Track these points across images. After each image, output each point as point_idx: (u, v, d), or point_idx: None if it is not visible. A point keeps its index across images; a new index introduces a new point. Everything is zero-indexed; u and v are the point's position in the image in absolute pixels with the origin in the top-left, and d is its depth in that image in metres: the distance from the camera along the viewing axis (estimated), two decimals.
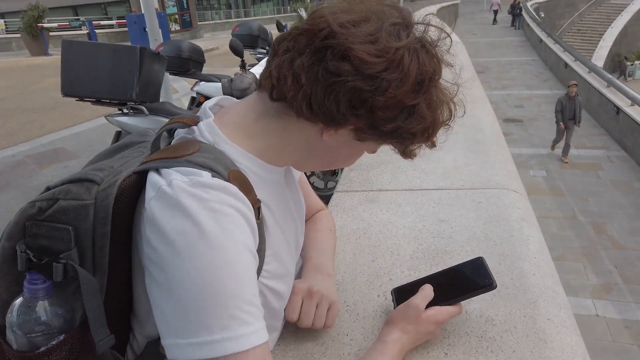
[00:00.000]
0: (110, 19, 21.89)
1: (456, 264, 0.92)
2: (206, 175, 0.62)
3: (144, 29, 5.70)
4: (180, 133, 0.75)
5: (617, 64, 21.86)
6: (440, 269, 0.93)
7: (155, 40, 5.50)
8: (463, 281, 0.87)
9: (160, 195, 0.61)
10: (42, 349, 0.64)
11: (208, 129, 0.72)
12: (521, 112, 12.43)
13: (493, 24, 28.99)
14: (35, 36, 16.54)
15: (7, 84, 11.70)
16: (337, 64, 0.63)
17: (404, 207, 1.38)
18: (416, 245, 1.18)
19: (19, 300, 0.64)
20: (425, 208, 1.36)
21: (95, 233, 0.63)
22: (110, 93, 2.98)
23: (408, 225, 1.27)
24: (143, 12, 5.53)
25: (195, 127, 0.73)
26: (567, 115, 9.55)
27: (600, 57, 18.56)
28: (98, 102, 3.06)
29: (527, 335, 0.86)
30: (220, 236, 0.59)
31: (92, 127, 7.46)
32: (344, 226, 1.31)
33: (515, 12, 25.95)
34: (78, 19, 20.36)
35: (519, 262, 1.07)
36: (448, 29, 0.70)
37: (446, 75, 0.73)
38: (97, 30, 17.29)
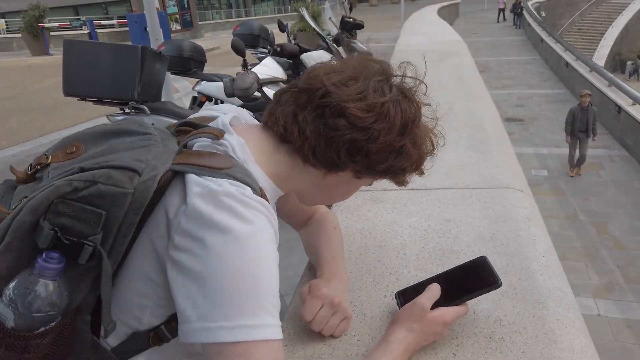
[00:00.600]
0: (111, 18, 21.87)
1: (459, 263, 0.91)
2: (249, 191, 0.69)
3: (145, 28, 5.70)
4: (203, 140, 0.77)
5: (617, 63, 21.84)
6: (446, 269, 0.93)
7: (156, 39, 5.50)
8: (468, 281, 0.87)
9: (209, 193, 0.65)
10: (41, 329, 0.63)
11: (239, 148, 0.76)
12: (522, 111, 12.41)
13: (498, 22, 28.94)
14: (36, 36, 16.52)
15: (8, 83, 11.69)
16: (335, 121, 0.75)
17: (408, 206, 1.37)
18: (422, 245, 1.17)
19: (25, 277, 0.62)
20: (431, 208, 1.35)
21: (124, 221, 0.65)
22: (112, 92, 2.97)
23: (413, 225, 1.26)
24: (145, 11, 5.53)
25: (225, 142, 0.76)
26: (578, 126, 8.92)
27: (601, 56, 18.55)
28: (99, 101, 3.06)
29: (537, 335, 0.86)
30: (261, 238, 0.66)
31: None
32: (349, 226, 1.30)
33: (517, 11, 25.94)
34: (79, 19, 20.37)
35: (526, 262, 1.06)
36: (422, 72, 0.78)
37: (426, 112, 0.84)
38: (98, 30, 17.27)
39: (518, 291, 0.97)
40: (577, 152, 9.01)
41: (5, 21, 21.70)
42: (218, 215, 0.64)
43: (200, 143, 0.76)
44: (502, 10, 29.37)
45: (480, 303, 0.94)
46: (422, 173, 0.87)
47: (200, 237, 0.63)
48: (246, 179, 0.70)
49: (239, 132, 0.80)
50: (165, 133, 0.81)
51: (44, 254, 0.62)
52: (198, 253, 0.63)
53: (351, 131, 0.75)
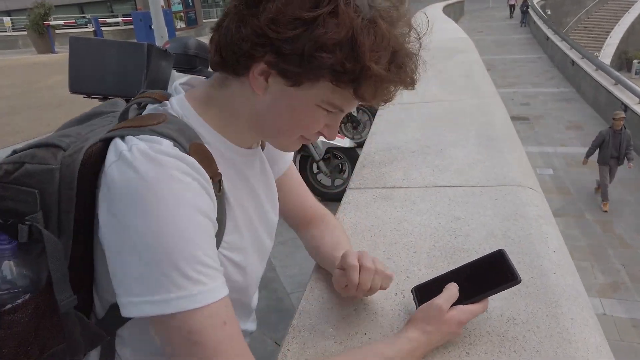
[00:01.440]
0: (116, 16, 21.94)
1: (475, 258, 0.90)
2: (166, 144, 0.64)
3: (150, 26, 5.70)
4: (151, 107, 0.76)
5: (624, 61, 21.71)
6: (462, 263, 0.91)
7: (161, 37, 5.51)
8: (485, 277, 0.84)
9: (121, 160, 0.62)
10: (7, 306, 0.66)
11: (179, 103, 0.74)
12: (527, 110, 12.37)
13: (511, 17, 28.83)
14: (41, 34, 16.60)
15: (14, 81, 11.74)
16: (231, 3, 0.68)
17: (418, 204, 1.36)
18: (433, 242, 1.16)
19: None
20: (441, 205, 1.34)
21: (60, 197, 0.66)
22: (118, 90, 2.96)
23: (423, 223, 1.25)
24: (150, 9, 5.53)
25: (167, 102, 0.75)
26: (609, 152, 7.91)
27: (607, 54, 18.46)
28: (105, 98, 3.05)
29: (551, 335, 0.84)
30: (172, 199, 0.61)
31: None
32: (358, 223, 1.29)
33: (523, 9, 25.89)
34: (84, 17, 20.45)
35: (538, 260, 1.05)
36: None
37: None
38: (103, 28, 17.29)
39: (531, 289, 0.96)
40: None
41: (11, 19, 21.77)
42: (128, 183, 0.61)
43: (150, 107, 0.76)
44: (512, 6, 29.32)
45: (493, 301, 0.92)
46: (400, 80, 0.68)
47: (111, 207, 0.62)
48: (171, 133, 0.66)
49: (192, 90, 0.78)
50: (133, 109, 0.80)
51: None
52: (112, 224, 0.62)
53: (240, 7, 0.66)
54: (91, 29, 17.49)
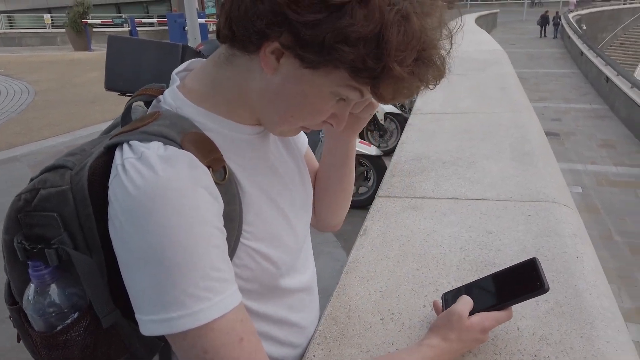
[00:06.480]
0: (152, 17, 22.41)
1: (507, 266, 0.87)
2: (154, 147, 0.61)
3: (184, 28, 5.80)
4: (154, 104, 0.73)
5: None
6: (495, 271, 0.89)
7: (194, 39, 5.60)
8: (513, 284, 0.82)
9: (117, 176, 0.61)
10: (59, 328, 0.68)
11: (171, 95, 0.71)
12: (558, 125, 12.10)
13: (541, 37, 28.16)
14: (79, 32, 17.07)
15: (52, 76, 12.10)
16: None
17: (448, 216, 1.35)
18: (463, 255, 1.14)
19: (29, 287, 0.68)
20: (472, 218, 1.32)
21: (79, 216, 0.65)
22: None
23: (454, 235, 1.24)
24: (186, 12, 5.63)
25: (161, 96, 0.72)
26: None
27: None
28: None
29: (585, 357, 0.82)
30: (167, 215, 0.57)
31: None
32: (386, 232, 1.28)
33: (556, 21, 25.57)
34: (120, 17, 20.94)
35: (573, 280, 1.02)
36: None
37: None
38: (138, 28, 17.70)
39: (565, 309, 0.93)
40: None
41: (51, 16, 22.48)
42: (124, 202, 0.59)
43: (151, 106, 0.74)
44: (544, 26, 28.79)
45: (525, 319, 0.90)
46: (418, 80, 0.61)
47: (112, 222, 0.61)
48: (160, 130, 0.63)
49: (189, 75, 0.74)
50: (142, 111, 0.79)
51: (29, 264, 0.67)
52: (114, 238, 0.62)
53: None
54: (127, 29, 17.92)
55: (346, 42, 0.56)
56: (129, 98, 0.77)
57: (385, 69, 0.58)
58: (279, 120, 0.69)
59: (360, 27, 0.55)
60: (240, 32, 0.62)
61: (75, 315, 0.68)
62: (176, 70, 0.76)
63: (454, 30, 0.63)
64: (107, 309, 0.68)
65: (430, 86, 0.64)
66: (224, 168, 0.66)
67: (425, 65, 0.60)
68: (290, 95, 0.65)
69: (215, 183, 0.63)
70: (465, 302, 0.81)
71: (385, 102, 0.64)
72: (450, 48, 0.63)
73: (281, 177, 0.80)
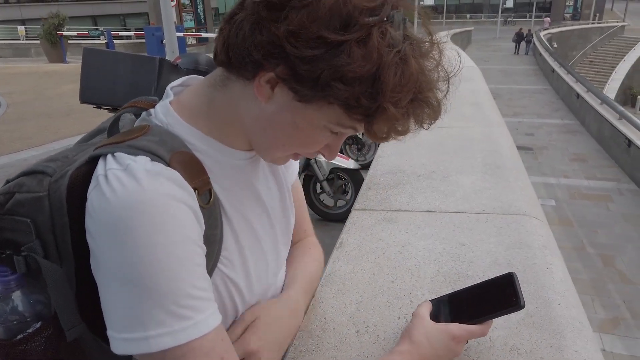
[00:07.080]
0: (129, 30, 22.25)
1: (486, 279, 0.88)
2: (141, 161, 0.59)
3: (162, 41, 5.78)
4: (142, 117, 0.72)
5: (628, 97, 21.85)
6: (473, 283, 0.90)
7: (172, 52, 5.58)
8: (489, 299, 0.83)
9: (97, 187, 0.59)
10: (19, 336, 0.65)
11: (163, 111, 0.69)
12: (532, 140, 12.40)
13: (515, 53, 28.88)
14: (54, 43, 16.82)
15: (25, 88, 11.86)
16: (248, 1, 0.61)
17: (423, 228, 1.36)
18: (437, 268, 1.16)
19: None
20: (445, 231, 1.34)
21: (54, 225, 0.62)
22: (127, 101, 2.99)
23: (428, 247, 1.25)
24: (163, 25, 5.62)
25: (152, 110, 0.71)
26: None
27: (612, 89, 18.56)
28: (114, 110, 3.08)
29: None
30: (149, 231, 0.56)
31: None
32: (362, 245, 1.29)
33: (528, 39, 26.51)
34: (97, 29, 20.75)
35: (543, 291, 1.05)
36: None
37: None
38: (115, 41, 17.54)
39: (535, 320, 0.95)
40: None
41: (25, 28, 22.12)
42: (104, 215, 0.57)
43: (140, 118, 0.72)
44: (517, 42, 29.61)
45: (497, 330, 0.92)
46: (401, 127, 0.62)
47: (93, 238, 0.59)
48: (149, 146, 0.61)
49: (184, 92, 0.73)
50: (130, 121, 0.76)
51: None
52: (92, 250, 0.59)
53: (259, 7, 0.59)
54: (103, 41, 17.75)
55: (342, 80, 0.56)
56: (108, 110, 0.76)
57: (379, 109, 0.58)
58: (271, 147, 0.69)
59: (357, 67, 0.56)
60: (236, 59, 0.62)
61: (38, 324, 0.66)
62: (172, 84, 0.75)
63: (451, 75, 0.64)
64: (73, 321, 0.65)
65: (425, 126, 0.65)
66: (210, 191, 0.66)
67: (421, 106, 0.61)
68: (282, 125, 0.65)
69: (200, 206, 0.63)
70: (422, 305, 0.85)
71: (378, 140, 0.64)
72: (447, 90, 0.64)
73: (264, 206, 0.80)
